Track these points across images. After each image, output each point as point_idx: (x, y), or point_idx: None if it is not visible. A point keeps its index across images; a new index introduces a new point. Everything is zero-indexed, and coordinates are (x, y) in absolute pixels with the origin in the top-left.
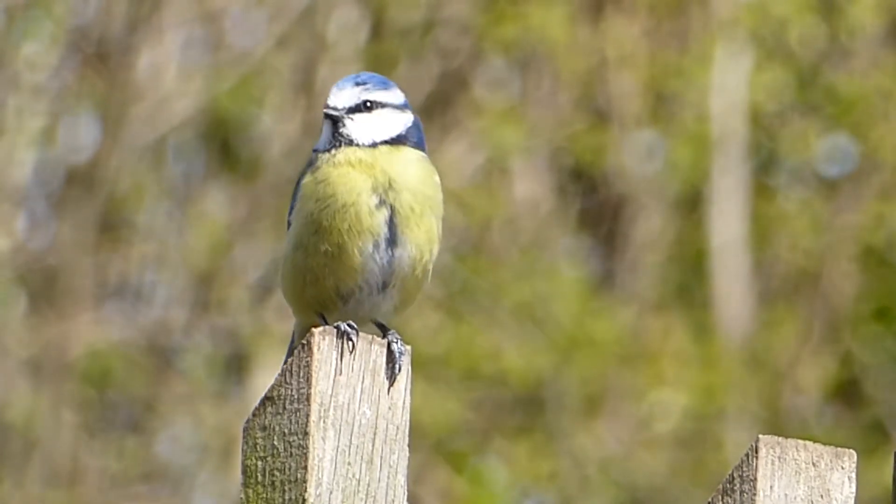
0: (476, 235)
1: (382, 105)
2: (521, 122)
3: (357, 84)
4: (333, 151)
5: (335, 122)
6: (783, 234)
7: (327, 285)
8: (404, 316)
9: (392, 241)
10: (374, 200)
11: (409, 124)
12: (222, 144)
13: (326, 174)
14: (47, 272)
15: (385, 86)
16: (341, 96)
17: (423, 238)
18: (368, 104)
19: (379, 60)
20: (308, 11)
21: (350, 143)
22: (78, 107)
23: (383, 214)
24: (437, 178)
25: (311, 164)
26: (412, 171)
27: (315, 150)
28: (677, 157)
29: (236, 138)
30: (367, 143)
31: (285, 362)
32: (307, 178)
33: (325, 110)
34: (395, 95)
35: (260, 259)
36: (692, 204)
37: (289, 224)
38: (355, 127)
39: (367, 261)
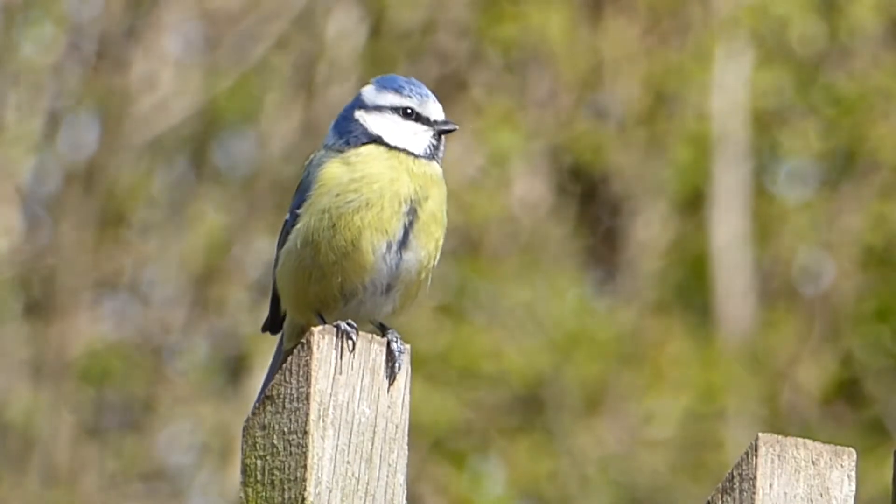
0: (476, 235)
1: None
2: (521, 123)
3: (438, 100)
4: (384, 150)
5: (441, 134)
6: (784, 233)
7: (333, 283)
8: (402, 317)
9: (403, 245)
10: (405, 208)
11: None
12: (221, 144)
13: (373, 167)
14: (46, 272)
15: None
16: (439, 110)
17: (432, 246)
18: (452, 129)
19: (378, 61)
20: (307, 12)
21: (437, 159)
22: (77, 106)
23: (405, 221)
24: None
25: (333, 154)
26: (441, 188)
27: (376, 142)
28: (677, 157)
29: (235, 138)
30: (420, 154)
31: (272, 365)
32: (333, 169)
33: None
34: None
35: (258, 259)
36: (692, 204)
37: (293, 217)
38: (442, 147)
39: (378, 260)
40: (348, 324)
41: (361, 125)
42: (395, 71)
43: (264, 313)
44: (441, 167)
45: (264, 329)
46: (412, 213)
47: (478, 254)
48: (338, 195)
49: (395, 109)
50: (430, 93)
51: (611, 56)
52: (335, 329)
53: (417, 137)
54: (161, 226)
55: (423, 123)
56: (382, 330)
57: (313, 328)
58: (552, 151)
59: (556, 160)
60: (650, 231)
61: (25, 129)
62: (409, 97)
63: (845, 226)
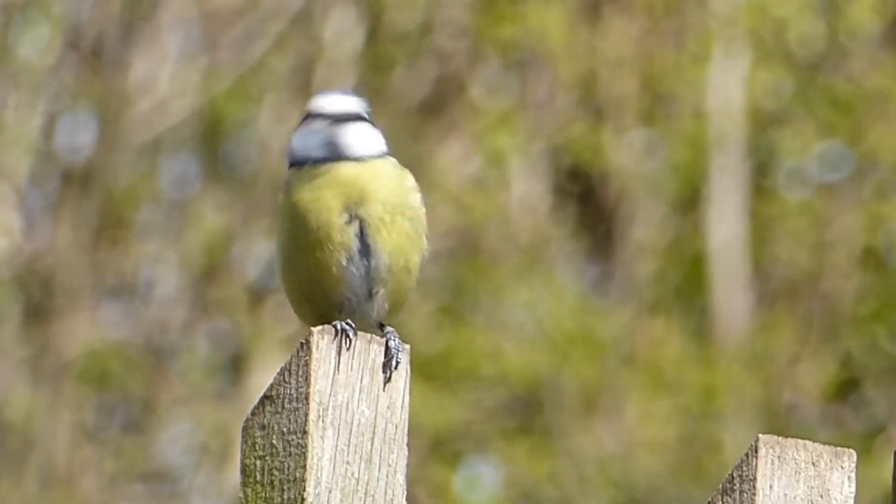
0: (474, 236)
1: (363, 118)
2: (519, 124)
3: (343, 94)
4: (307, 168)
5: (335, 124)
6: (782, 234)
7: (318, 298)
8: (402, 317)
9: (364, 252)
10: (344, 218)
11: (383, 138)
12: (219, 145)
13: (299, 195)
14: (45, 272)
15: (360, 96)
16: (332, 101)
17: (396, 243)
18: (357, 115)
19: (376, 62)
20: (304, 13)
21: (336, 157)
22: (75, 106)
23: (353, 229)
24: (409, 182)
25: (287, 183)
26: (384, 182)
27: (295, 163)
28: (675, 158)
29: (233, 139)
30: (353, 156)
31: None
32: (282, 199)
33: (316, 112)
34: (365, 106)
35: (258, 259)
36: (690, 204)
37: (277, 242)
38: (348, 137)
39: (344, 273)
40: (347, 323)
41: (290, 149)
42: (392, 72)
43: (264, 313)
44: (371, 159)
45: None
46: (356, 219)
47: (476, 255)
48: (291, 223)
49: (304, 117)
50: (334, 90)
51: (609, 57)
52: (334, 329)
53: (316, 136)
54: (160, 226)
55: (319, 118)
56: (381, 329)
57: (312, 328)
58: (551, 152)
59: (555, 161)
60: (648, 231)
61: (23, 129)
62: (312, 100)
63: (844, 226)
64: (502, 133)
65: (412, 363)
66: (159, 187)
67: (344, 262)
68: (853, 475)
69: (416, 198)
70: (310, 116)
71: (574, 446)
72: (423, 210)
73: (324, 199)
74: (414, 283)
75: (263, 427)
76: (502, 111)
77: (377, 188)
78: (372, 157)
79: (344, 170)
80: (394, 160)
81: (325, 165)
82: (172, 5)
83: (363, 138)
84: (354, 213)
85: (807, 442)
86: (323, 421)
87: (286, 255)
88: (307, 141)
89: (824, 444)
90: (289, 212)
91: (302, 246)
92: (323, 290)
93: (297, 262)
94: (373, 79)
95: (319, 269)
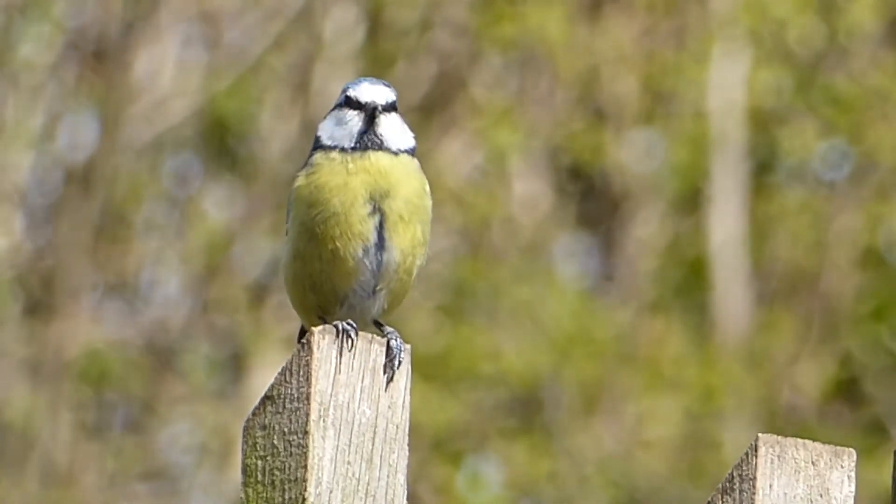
0: (475, 235)
1: (396, 109)
2: (519, 122)
3: (377, 82)
4: (338, 153)
5: (372, 117)
6: (782, 233)
7: (327, 289)
8: (402, 317)
9: (380, 246)
10: (368, 209)
11: (412, 133)
12: (220, 144)
13: (325, 179)
14: (45, 272)
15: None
16: (367, 90)
17: (408, 243)
18: (395, 104)
19: (376, 60)
20: (305, 11)
21: (370, 146)
22: (76, 106)
23: (374, 221)
24: (427, 187)
25: (305, 166)
26: (410, 182)
27: (320, 147)
28: (676, 157)
29: (234, 138)
30: (391, 149)
31: None
32: (300, 183)
33: (364, 100)
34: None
35: (258, 259)
36: (691, 203)
37: (286, 232)
38: (382, 128)
39: (358, 265)
40: (348, 323)
41: (316, 134)
42: (393, 69)
43: (264, 313)
44: (402, 153)
45: (299, 340)
46: (378, 212)
47: (477, 254)
48: (309, 207)
49: (338, 104)
50: (370, 78)
51: (609, 55)
52: (335, 329)
53: (349, 125)
54: (161, 225)
55: (355, 108)
56: (381, 329)
57: (313, 328)
58: (551, 151)
59: (555, 160)
60: (648, 230)
61: (24, 128)
62: (349, 86)
63: (844, 226)
64: (503, 130)
65: (412, 363)
66: (160, 186)
67: (360, 254)
68: (853, 474)
69: (429, 204)
70: (344, 103)
71: (574, 446)
72: (431, 217)
73: (352, 185)
74: (411, 284)
75: (264, 427)
76: (503, 108)
77: (404, 185)
78: (402, 152)
79: (377, 160)
80: (417, 161)
81: (358, 153)
82: (173, 5)
83: (396, 130)
84: (378, 206)
85: (806, 441)
86: (324, 421)
87: (300, 240)
88: (338, 130)
89: (824, 443)
90: (310, 194)
91: (320, 234)
92: (333, 281)
93: (310, 250)
94: (373, 76)
95: (335, 259)
